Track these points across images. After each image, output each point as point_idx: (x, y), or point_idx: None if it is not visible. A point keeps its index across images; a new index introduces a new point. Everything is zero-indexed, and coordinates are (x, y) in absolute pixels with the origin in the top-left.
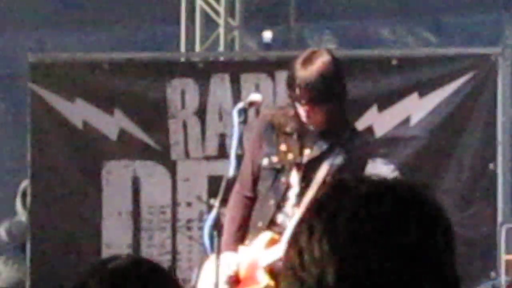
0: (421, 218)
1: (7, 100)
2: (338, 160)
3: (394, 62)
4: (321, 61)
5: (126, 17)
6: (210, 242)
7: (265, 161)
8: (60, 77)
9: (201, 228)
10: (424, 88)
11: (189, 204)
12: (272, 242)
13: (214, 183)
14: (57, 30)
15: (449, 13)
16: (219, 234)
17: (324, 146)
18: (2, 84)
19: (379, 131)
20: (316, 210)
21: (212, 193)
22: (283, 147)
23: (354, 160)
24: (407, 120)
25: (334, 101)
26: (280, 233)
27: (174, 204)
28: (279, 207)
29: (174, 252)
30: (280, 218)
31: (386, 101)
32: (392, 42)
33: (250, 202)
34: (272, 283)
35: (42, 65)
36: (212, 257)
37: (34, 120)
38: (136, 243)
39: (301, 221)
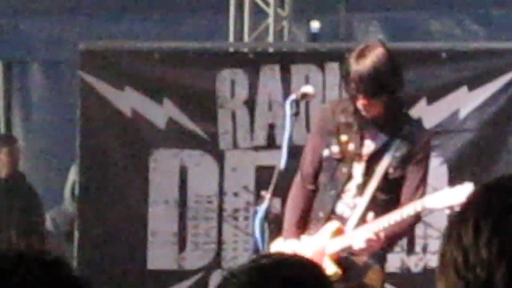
0: None
1: (56, 87)
2: (400, 152)
3: (443, 55)
4: (375, 54)
5: (175, 6)
6: (261, 234)
7: (326, 152)
8: (110, 65)
9: (247, 218)
10: (473, 82)
11: (236, 194)
12: (338, 232)
13: (261, 173)
14: (106, 18)
15: (499, 6)
16: (270, 226)
17: (385, 138)
18: (52, 71)
19: (428, 124)
20: (483, 209)
21: (260, 184)
22: (344, 138)
23: (416, 152)
24: (456, 113)
25: (390, 93)
26: (343, 223)
27: (221, 194)
28: (339, 197)
29: (220, 241)
30: (340, 208)
31: (435, 94)
32: (440, 34)
33: (311, 194)
34: (339, 271)
35: (92, 53)
36: (279, 241)
37: (84, 108)
38: (182, 232)
39: (463, 219)
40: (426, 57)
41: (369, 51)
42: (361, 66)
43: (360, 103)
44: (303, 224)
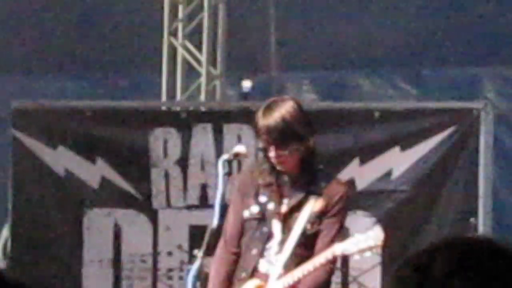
0: None
1: None
2: (316, 208)
3: (376, 115)
4: (282, 106)
5: (108, 65)
6: None
7: (246, 213)
8: (43, 124)
9: (181, 278)
10: (406, 142)
11: (170, 253)
12: None
13: (195, 232)
14: (39, 77)
15: (430, 65)
16: (202, 285)
17: (302, 195)
18: None
19: (361, 184)
20: (426, 272)
21: (193, 243)
22: (263, 199)
23: (332, 206)
24: (388, 174)
25: (299, 141)
26: (266, 281)
27: (155, 252)
28: (262, 256)
29: None
30: (263, 266)
31: (368, 154)
32: (372, 94)
33: (235, 256)
34: None
35: (25, 111)
36: None
37: (16, 166)
38: None
39: (404, 281)
40: (359, 117)
41: (276, 105)
42: (268, 118)
43: (272, 155)
44: (227, 286)
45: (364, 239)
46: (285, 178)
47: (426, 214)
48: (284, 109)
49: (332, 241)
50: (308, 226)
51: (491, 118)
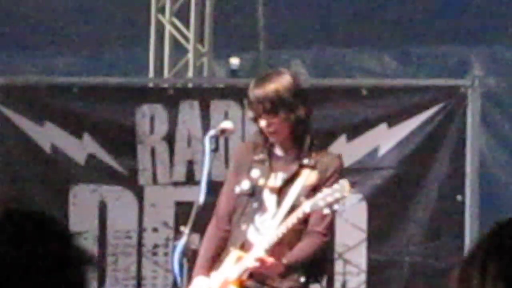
0: None
1: None
2: (309, 181)
3: (363, 91)
4: (274, 77)
5: (95, 41)
6: (179, 269)
7: (237, 189)
8: (29, 100)
9: (167, 254)
10: (393, 119)
11: (155, 230)
12: (240, 259)
13: (181, 209)
14: (25, 53)
15: (418, 43)
16: (188, 261)
17: (294, 167)
18: None
19: (348, 161)
20: (491, 250)
21: (179, 219)
22: (254, 174)
23: (326, 179)
24: (375, 151)
25: (288, 110)
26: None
27: (140, 229)
28: (254, 228)
29: (139, 277)
30: (255, 238)
31: (354, 131)
32: (361, 71)
33: (227, 234)
34: None
35: (12, 87)
36: (195, 282)
37: (2, 142)
38: (101, 267)
39: (471, 260)
40: (346, 93)
41: (271, 76)
42: (260, 88)
43: (263, 124)
44: (215, 262)
45: (331, 192)
46: (278, 152)
47: (412, 191)
48: (278, 81)
49: (324, 216)
50: (303, 200)
51: (478, 96)
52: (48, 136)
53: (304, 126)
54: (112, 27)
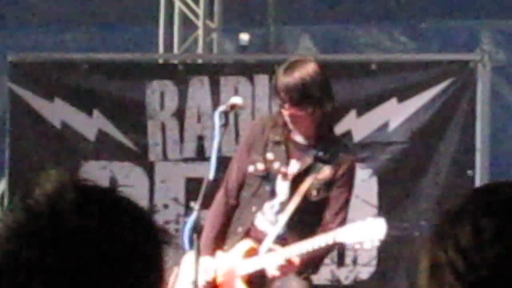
0: None
1: None
2: (323, 175)
3: (373, 67)
4: (304, 67)
5: (105, 17)
6: (189, 245)
7: (251, 168)
8: (39, 77)
9: (177, 230)
10: (403, 94)
11: (166, 206)
12: (251, 252)
13: (191, 185)
14: (35, 29)
15: (428, 18)
16: (199, 237)
17: (310, 160)
18: None
19: (358, 136)
20: (483, 209)
21: (190, 195)
22: (270, 156)
23: (340, 175)
24: (385, 125)
25: (316, 105)
26: (260, 241)
27: (151, 205)
28: (261, 213)
29: None
30: (262, 223)
31: (365, 106)
32: (370, 47)
33: (233, 209)
34: None
35: (22, 64)
36: (190, 255)
37: (13, 119)
38: None
39: (458, 220)
40: (356, 69)
41: (297, 64)
42: (288, 77)
43: (286, 113)
44: (221, 240)
45: (367, 230)
46: (296, 138)
47: (422, 166)
48: (305, 70)
49: (337, 214)
50: (314, 193)
51: (488, 70)
52: (58, 112)
53: (329, 121)
54: (121, 3)
